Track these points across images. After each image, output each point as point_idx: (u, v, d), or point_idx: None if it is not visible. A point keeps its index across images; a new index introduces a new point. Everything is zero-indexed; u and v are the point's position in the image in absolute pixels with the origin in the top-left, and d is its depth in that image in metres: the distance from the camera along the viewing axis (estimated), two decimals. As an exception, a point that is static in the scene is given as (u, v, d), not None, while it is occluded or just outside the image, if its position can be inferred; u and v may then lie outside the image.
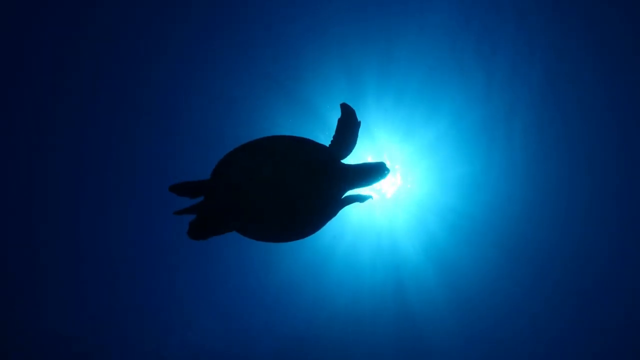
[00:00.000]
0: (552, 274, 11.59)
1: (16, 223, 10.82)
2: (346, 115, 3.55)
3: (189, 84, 10.36)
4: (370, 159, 10.63)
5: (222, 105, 10.52)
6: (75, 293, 11.44)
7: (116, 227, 11.13)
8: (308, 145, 3.40)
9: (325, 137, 9.82)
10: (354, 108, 3.55)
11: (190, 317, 12.11)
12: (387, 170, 3.65)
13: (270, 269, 11.70)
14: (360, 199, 3.69)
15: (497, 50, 9.98)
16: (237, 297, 12.11)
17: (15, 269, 11.08)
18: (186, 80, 10.34)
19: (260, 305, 12.16)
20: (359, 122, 3.57)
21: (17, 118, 10.17)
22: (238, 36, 10.18)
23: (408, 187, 10.75)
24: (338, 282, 11.89)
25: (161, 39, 10.11)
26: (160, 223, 10.69)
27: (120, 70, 10.16)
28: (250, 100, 10.43)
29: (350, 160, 3.66)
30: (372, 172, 3.61)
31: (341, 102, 3.57)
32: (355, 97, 10.41)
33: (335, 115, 9.85)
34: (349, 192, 3.67)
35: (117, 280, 11.50)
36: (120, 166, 10.72)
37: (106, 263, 11.32)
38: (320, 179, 3.34)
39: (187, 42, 10.17)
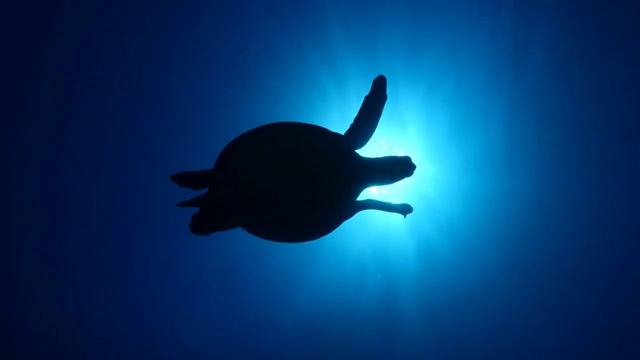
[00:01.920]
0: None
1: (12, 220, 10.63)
2: (376, 92, 3.12)
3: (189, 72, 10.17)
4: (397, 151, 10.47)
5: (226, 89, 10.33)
6: (71, 289, 11.27)
7: (115, 220, 10.95)
8: (320, 133, 3.04)
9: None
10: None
11: (184, 315, 11.97)
12: (413, 166, 3.22)
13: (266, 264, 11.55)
14: (393, 208, 3.32)
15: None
16: (233, 294, 11.97)
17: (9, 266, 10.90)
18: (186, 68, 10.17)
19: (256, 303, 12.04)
20: (386, 97, 3.16)
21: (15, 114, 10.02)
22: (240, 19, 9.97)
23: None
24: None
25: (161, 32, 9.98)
26: (161, 216, 10.52)
27: (117, 58, 10.00)
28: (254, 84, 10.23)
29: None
30: (395, 168, 3.18)
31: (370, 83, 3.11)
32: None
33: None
34: (365, 195, 3.37)
35: (111, 274, 11.33)
36: (121, 155, 10.52)
37: (99, 257, 11.14)
38: (334, 173, 2.99)
39: (184, 34, 10.01)
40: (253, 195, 2.90)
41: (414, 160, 3.24)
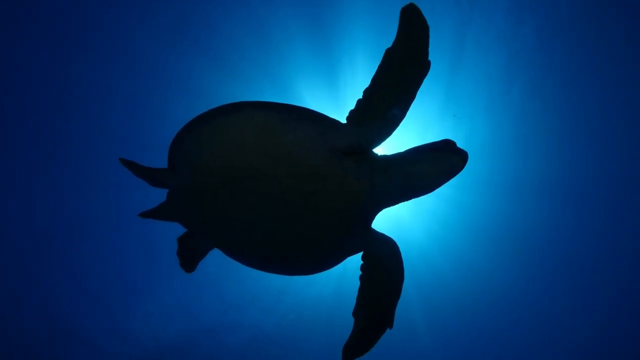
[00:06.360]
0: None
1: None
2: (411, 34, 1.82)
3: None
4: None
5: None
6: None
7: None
8: (312, 121, 1.93)
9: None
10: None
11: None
12: (463, 153, 1.95)
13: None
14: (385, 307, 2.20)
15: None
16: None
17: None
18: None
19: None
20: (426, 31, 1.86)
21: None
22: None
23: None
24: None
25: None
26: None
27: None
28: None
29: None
30: (432, 162, 1.92)
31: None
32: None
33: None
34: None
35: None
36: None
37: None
38: (329, 186, 1.88)
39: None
40: (202, 207, 2.04)
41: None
